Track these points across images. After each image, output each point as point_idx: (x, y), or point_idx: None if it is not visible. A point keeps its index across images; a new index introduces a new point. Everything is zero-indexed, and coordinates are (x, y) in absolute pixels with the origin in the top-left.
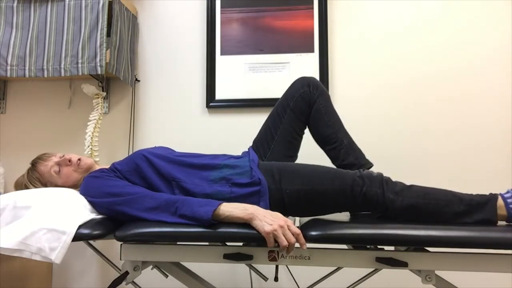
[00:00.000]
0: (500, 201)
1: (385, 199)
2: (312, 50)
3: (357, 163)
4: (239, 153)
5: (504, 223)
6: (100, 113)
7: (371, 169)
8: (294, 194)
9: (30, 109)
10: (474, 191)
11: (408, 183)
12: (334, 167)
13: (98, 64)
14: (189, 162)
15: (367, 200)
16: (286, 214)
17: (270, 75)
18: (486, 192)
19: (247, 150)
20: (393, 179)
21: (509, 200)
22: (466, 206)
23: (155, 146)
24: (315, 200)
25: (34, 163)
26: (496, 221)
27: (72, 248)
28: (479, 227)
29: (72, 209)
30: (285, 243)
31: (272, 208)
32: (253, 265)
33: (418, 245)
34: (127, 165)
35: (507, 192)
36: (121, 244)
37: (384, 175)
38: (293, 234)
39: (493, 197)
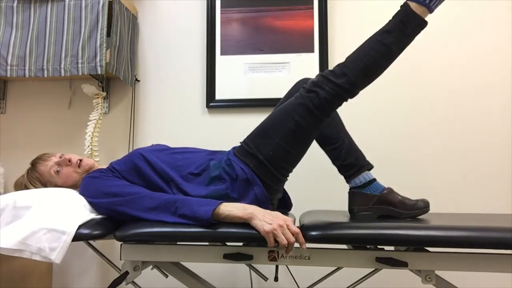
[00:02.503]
0: (413, 4)
1: (341, 86)
2: (312, 50)
3: (357, 164)
4: None
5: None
6: (100, 113)
7: (371, 171)
8: (277, 149)
9: (30, 109)
10: (474, 190)
11: (408, 182)
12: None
13: (98, 64)
14: (182, 174)
15: (330, 101)
16: (286, 171)
17: (270, 75)
18: (486, 191)
19: None
20: (393, 179)
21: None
22: (395, 32)
23: (153, 144)
24: (297, 138)
25: (34, 163)
26: (423, 20)
27: (72, 248)
28: (479, 227)
29: (72, 209)
30: (284, 241)
31: (271, 186)
32: (253, 265)
33: (418, 245)
34: (125, 165)
35: None
36: (121, 244)
37: (384, 174)
38: (292, 234)
39: (406, 7)
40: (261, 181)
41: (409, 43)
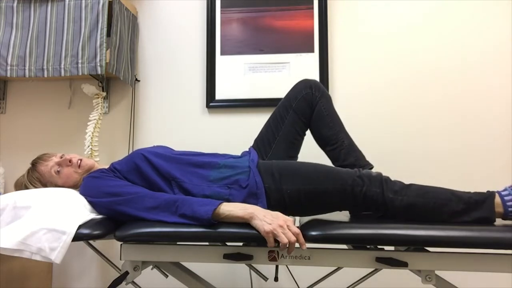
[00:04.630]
0: (497, 199)
1: (384, 199)
2: (312, 50)
3: (357, 164)
4: (239, 153)
5: (501, 220)
6: (100, 113)
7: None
8: (294, 193)
9: (30, 109)
10: (474, 189)
11: (408, 182)
12: (333, 166)
13: (98, 64)
14: (188, 160)
15: (367, 200)
16: (286, 213)
17: (270, 75)
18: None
19: (247, 150)
20: (393, 178)
21: (506, 198)
22: (464, 205)
23: (154, 146)
24: (316, 200)
25: (34, 163)
26: (494, 218)
27: (72, 248)
28: (479, 227)
29: (72, 209)
30: (285, 241)
31: (272, 208)
32: (253, 265)
33: (418, 245)
34: (126, 165)
35: (505, 189)
36: (121, 244)
37: (384, 174)
38: (293, 234)
39: (490, 195)
40: (267, 200)
41: (463, 221)
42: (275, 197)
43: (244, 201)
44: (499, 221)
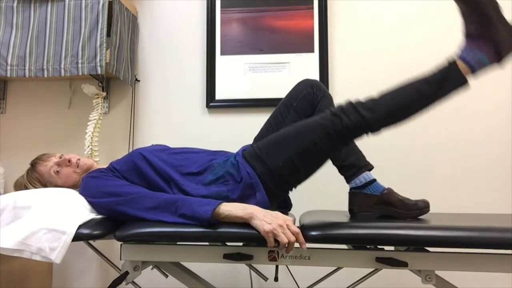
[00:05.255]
0: (460, 63)
1: (366, 120)
2: (312, 50)
3: (358, 164)
4: None
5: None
6: (100, 113)
7: (371, 171)
8: (287, 163)
9: (30, 109)
10: (474, 190)
11: (408, 182)
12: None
13: (98, 64)
14: (183, 172)
15: (351, 130)
16: (290, 186)
17: (270, 75)
18: (486, 191)
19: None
20: (393, 179)
21: (467, 59)
22: (435, 85)
23: (152, 145)
24: (309, 157)
25: (33, 164)
26: (466, 80)
27: (72, 248)
28: (479, 227)
29: (72, 209)
30: (285, 240)
31: (274, 193)
32: (253, 265)
33: (418, 245)
34: (125, 164)
35: (461, 51)
36: (121, 244)
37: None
38: (292, 233)
39: (453, 64)
40: (264, 187)
41: (445, 98)
42: (270, 179)
43: (242, 194)
44: (497, 219)
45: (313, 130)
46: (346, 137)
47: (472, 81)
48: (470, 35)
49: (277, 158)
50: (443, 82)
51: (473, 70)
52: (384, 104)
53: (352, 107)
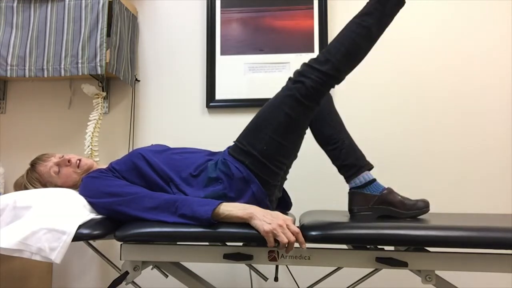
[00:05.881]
0: None
1: (327, 73)
2: (312, 50)
3: (357, 164)
4: None
5: None
6: (100, 113)
7: (371, 171)
8: (271, 143)
9: (30, 109)
10: (474, 190)
11: (408, 182)
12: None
13: (98, 64)
14: (182, 176)
15: (317, 89)
16: (283, 163)
17: (270, 75)
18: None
19: None
20: (393, 179)
21: None
22: (374, 13)
23: (152, 144)
24: (289, 130)
25: (33, 164)
26: None
27: (72, 248)
28: (479, 227)
29: (72, 209)
30: (285, 240)
31: (269, 182)
32: (253, 265)
33: (418, 245)
34: (125, 165)
35: None
36: (121, 244)
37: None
38: (292, 233)
39: None
40: (257, 177)
41: (389, 23)
42: (261, 168)
43: (238, 190)
44: (497, 219)
45: (282, 103)
46: (316, 97)
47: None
48: None
49: (259, 143)
50: (382, 9)
51: None
52: (336, 51)
53: (308, 66)
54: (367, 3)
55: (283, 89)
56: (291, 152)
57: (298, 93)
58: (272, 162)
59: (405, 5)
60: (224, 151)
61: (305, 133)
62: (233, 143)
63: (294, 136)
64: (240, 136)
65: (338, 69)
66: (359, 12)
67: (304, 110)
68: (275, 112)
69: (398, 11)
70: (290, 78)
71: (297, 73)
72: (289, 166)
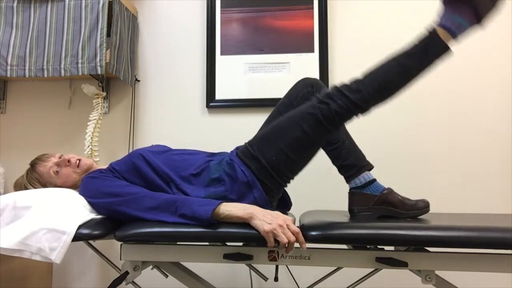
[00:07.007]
0: (441, 31)
1: (353, 102)
2: (312, 50)
3: (358, 164)
4: None
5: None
6: (100, 113)
7: (371, 171)
8: (280, 155)
9: (30, 109)
10: (474, 190)
11: (408, 182)
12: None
13: (98, 64)
14: (181, 175)
15: (340, 114)
16: (288, 178)
17: (270, 75)
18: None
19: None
20: (393, 179)
21: (448, 26)
22: (417, 57)
23: (152, 145)
24: (301, 147)
25: (33, 164)
26: (448, 47)
27: (72, 248)
28: (479, 227)
29: (72, 209)
30: (285, 240)
31: (272, 189)
32: (253, 265)
33: (418, 245)
34: (125, 165)
35: (440, 19)
36: (121, 244)
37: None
38: (292, 233)
39: (434, 34)
40: (261, 184)
41: (430, 69)
42: (266, 175)
43: (240, 193)
44: (497, 219)
45: (302, 119)
46: (336, 122)
47: (455, 46)
48: (447, 1)
49: (269, 152)
50: (425, 52)
51: (454, 35)
52: (370, 83)
53: (338, 91)
54: (413, 43)
55: (307, 105)
56: (298, 167)
57: (321, 114)
58: (277, 173)
59: (405, 4)
60: (232, 151)
61: (315, 154)
62: (244, 145)
63: (305, 153)
64: (252, 140)
65: (367, 101)
66: (402, 49)
67: (321, 131)
68: (293, 126)
69: (442, 58)
70: (317, 97)
71: (325, 94)
72: (293, 178)
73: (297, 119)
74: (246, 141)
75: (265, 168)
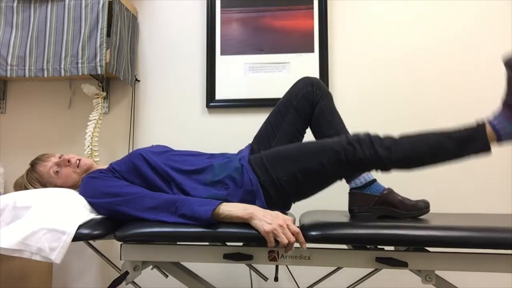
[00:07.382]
0: (489, 129)
1: (379, 156)
2: (312, 50)
3: None
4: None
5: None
6: (100, 113)
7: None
8: (291, 178)
9: (30, 109)
10: (474, 190)
11: (408, 182)
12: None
13: (98, 64)
14: (182, 168)
15: (363, 162)
16: (291, 200)
17: (270, 75)
18: (486, 191)
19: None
20: (393, 179)
21: (497, 127)
22: (458, 143)
23: (153, 145)
24: (314, 177)
25: (33, 164)
26: (490, 148)
27: (72, 248)
28: (479, 227)
29: (72, 209)
30: (285, 241)
31: (273, 200)
32: (253, 265)
33: (418, 245)
34: (125, 165)
35: (494, 118)
36: (121, 244)
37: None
38: (292, 233)
39: (482, 128)
40: (265, 194)
41: (461, 160)
42: (272, 189)
43: (242, 200)
44: (497, 219)
45: (324, 152)
46: (356, 168)
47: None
48: (508, 105)
49: (282, 171)
50: (466, 142)
51: (500, 139)
52: (402, 147)
53: (370, 140)
54: (458, 128)
55: (334, 140)
56: (304, 196)
57: (344, 155)
58: (284, 193)
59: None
60: (243, 155)
61: (322, 189)
62: (259, 153)
63: (315, 184)
64: (269, 152)
65: (392, 161)
66: (445, 130)
67: (338, 170)
68: (313, 155)
69: (478, 155)
70: (347, 137)
71: (356, 138)
72: (294, 203)
73: (319, 151)
74: (247, 141)
75: (273, 182)
